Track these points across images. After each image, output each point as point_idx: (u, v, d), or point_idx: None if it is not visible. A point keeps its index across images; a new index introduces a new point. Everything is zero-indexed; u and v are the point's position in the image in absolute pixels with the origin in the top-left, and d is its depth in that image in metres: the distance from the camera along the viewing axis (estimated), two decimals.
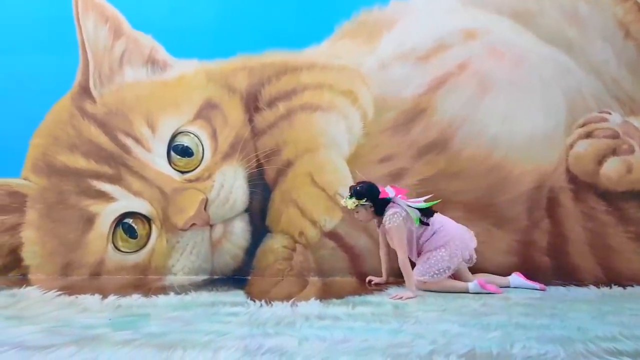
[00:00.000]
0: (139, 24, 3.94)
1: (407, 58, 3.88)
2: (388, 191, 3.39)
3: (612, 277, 3.63)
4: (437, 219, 3.44)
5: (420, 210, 3.38)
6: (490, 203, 3.79)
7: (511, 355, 2.18)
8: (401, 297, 3.18)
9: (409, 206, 3.36)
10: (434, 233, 3.39)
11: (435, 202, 3.44)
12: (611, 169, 3.76)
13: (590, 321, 2.68)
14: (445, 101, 3.84)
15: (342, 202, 3.41)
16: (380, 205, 3.38)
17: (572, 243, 3.75)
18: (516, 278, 3.50)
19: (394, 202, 3.37)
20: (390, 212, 3.33)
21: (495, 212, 3.79)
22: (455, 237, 3.40)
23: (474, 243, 3.47)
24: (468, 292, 3.32)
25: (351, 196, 3.36)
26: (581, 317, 2.76)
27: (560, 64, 3.83)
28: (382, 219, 3.38)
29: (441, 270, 3.34)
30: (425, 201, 3.42)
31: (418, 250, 3.44)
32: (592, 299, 3.24)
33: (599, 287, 3.51)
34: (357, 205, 3.35)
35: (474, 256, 3.47)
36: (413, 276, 3.32)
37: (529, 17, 3.85)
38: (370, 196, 3.36)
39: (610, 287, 3.51)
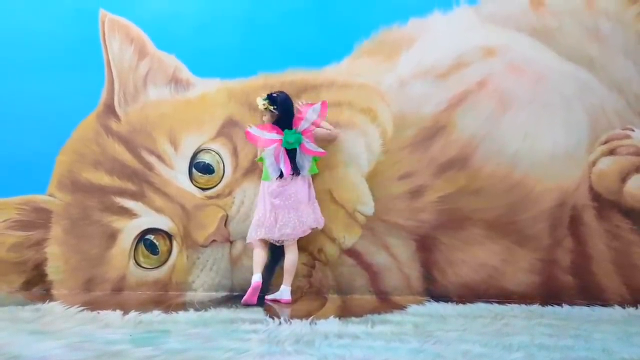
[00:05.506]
0: (162, 45, 4.02)
1: (427, 75, 3.89)
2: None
3: (638, 297, 3.56)
4: None
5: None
6: (512, 221, 3.75)
7: None
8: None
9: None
10: None
11: None
12: (635, 186, 3.69)
13: (615, 342, 2.63)
14: (464, 118, 3.83)
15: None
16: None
17: (596, 262, 3.69)
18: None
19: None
20: None
21: (517, 230, 3.75)
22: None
23: None
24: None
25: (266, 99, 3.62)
26: (606, 338, 2.71)
27: (581, 80, 3.80)
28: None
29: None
30: None
31: None
32: (617, 320, 3.18)
33: (624, 307, 3.45)
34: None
35: None
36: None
37: (549, 34, 3.84)
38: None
39: (636, 307, 3.45)
